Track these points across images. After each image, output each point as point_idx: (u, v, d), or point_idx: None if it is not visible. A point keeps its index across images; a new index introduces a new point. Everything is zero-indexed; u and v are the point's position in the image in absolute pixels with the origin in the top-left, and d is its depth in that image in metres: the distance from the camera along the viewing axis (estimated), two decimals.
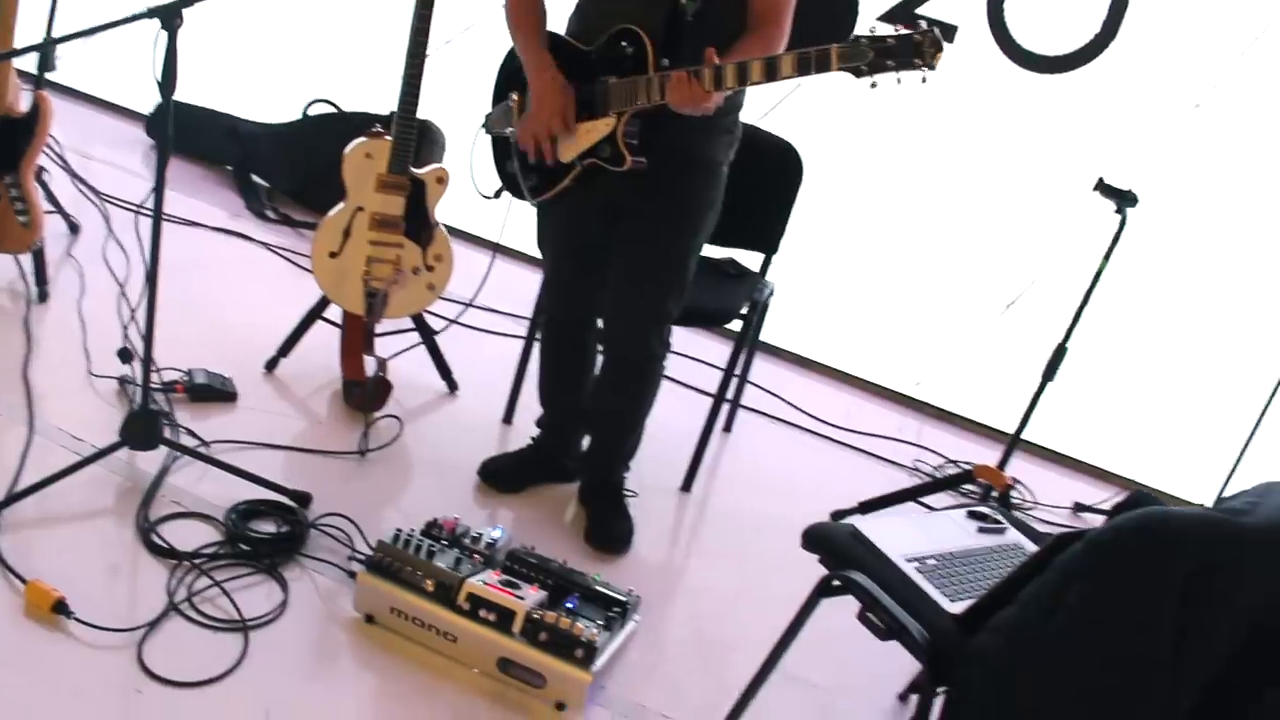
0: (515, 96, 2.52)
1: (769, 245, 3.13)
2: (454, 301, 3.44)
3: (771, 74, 2.13)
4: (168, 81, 2.28)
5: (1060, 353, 3.04)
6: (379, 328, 3.16)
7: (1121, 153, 3.37)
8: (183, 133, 4.50)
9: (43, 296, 3.23)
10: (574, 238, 2.64)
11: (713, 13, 2.31)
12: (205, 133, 4.41)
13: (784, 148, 3.12)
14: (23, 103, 3.10)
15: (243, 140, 4.33)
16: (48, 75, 3.64)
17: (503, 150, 2.62)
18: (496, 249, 3.22)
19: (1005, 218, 3.64)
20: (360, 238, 3.03)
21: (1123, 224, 2.91)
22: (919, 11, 3.60)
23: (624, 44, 2.32)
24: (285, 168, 4.27)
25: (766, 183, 3.10)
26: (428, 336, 3.28)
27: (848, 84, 3.08)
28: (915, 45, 1.99)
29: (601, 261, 2.56)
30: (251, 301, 3.54)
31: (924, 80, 2.02)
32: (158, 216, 2.41)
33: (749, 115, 3.02)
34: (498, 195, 2.70)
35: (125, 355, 2.95)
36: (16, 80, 3.10)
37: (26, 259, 3.24)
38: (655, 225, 2.49)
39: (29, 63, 3.44)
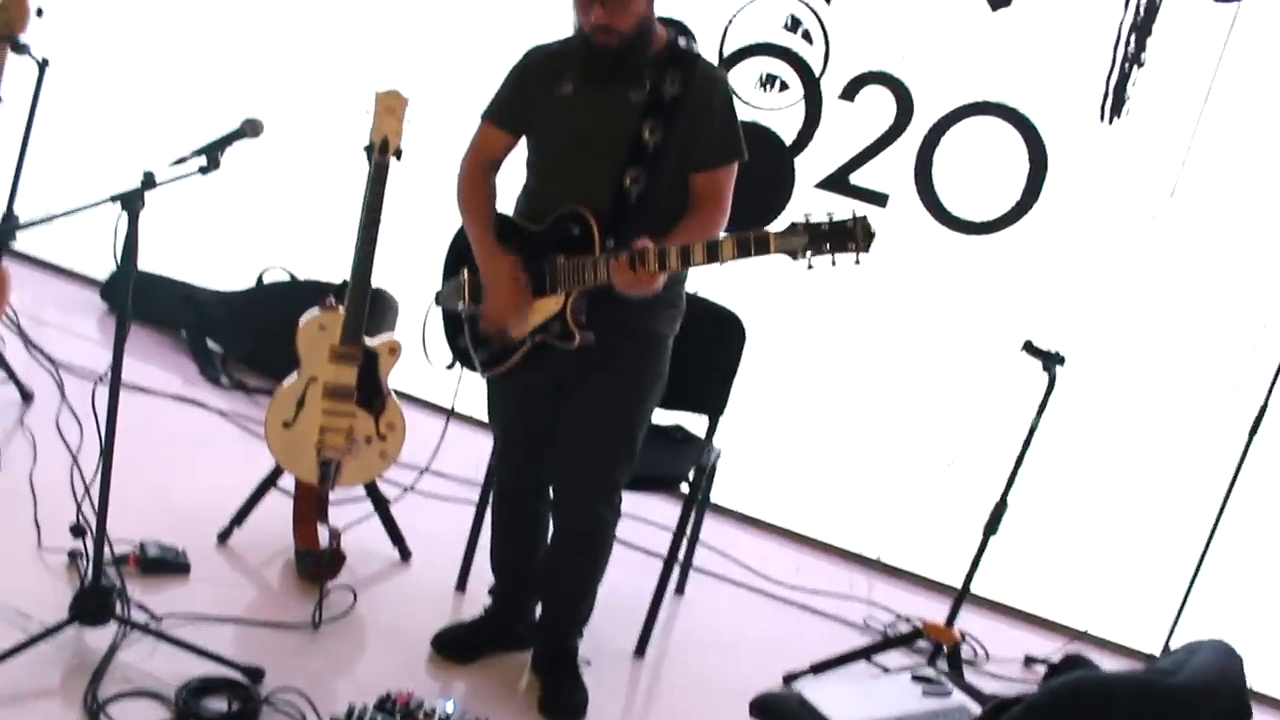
0: (466, 273, 2.62)
1: (714, 408, 3.22)
2: (408, 467, 3.47)
3: (713, 257, 2.26)
4: (128, 261, 2.36)
5: (1001, 508, 3.12)
6: (332, 496, 3.19)
7: (1058, 304, 3.54)
8: (138, 299, 4.53)
9: None
10: (524, 410, 2.71)
11: (655, 194, 2.45)
12: (160, 299, 4.47)
13: (726, 315, 3.24)
14: None
15: (198, 307, 4.40)
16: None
17: (454, 325, 2.71)
18: (450, 414, 3.28)
19: (945, 376, 3.76)
20: (314, 408, 3.08)
21: (1051, 383, 3.03)
22: (853, 180, 3.78)
23: (571, 225, 2.44)
24: (240, 334, 4.34)
25: (710, 348, 3.20)
26: (381, 505, 3.30)
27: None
28: (849, 231, 2.13)
29: (551, 433, 2.63)
30: (204, 470, 3.55)
31: (857, 262, 2.14)
32: (114, 390, 2.46)
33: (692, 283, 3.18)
34: (450, 367, 2.78)
35: (77, 530, 2.94)
36: None
37: None
38: (602, 399, 2.57)
39: None
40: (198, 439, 3.77)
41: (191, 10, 4.59)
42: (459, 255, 2.71)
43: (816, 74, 3.77)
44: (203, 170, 2.38)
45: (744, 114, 3.79)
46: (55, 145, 3.90)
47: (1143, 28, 3.41)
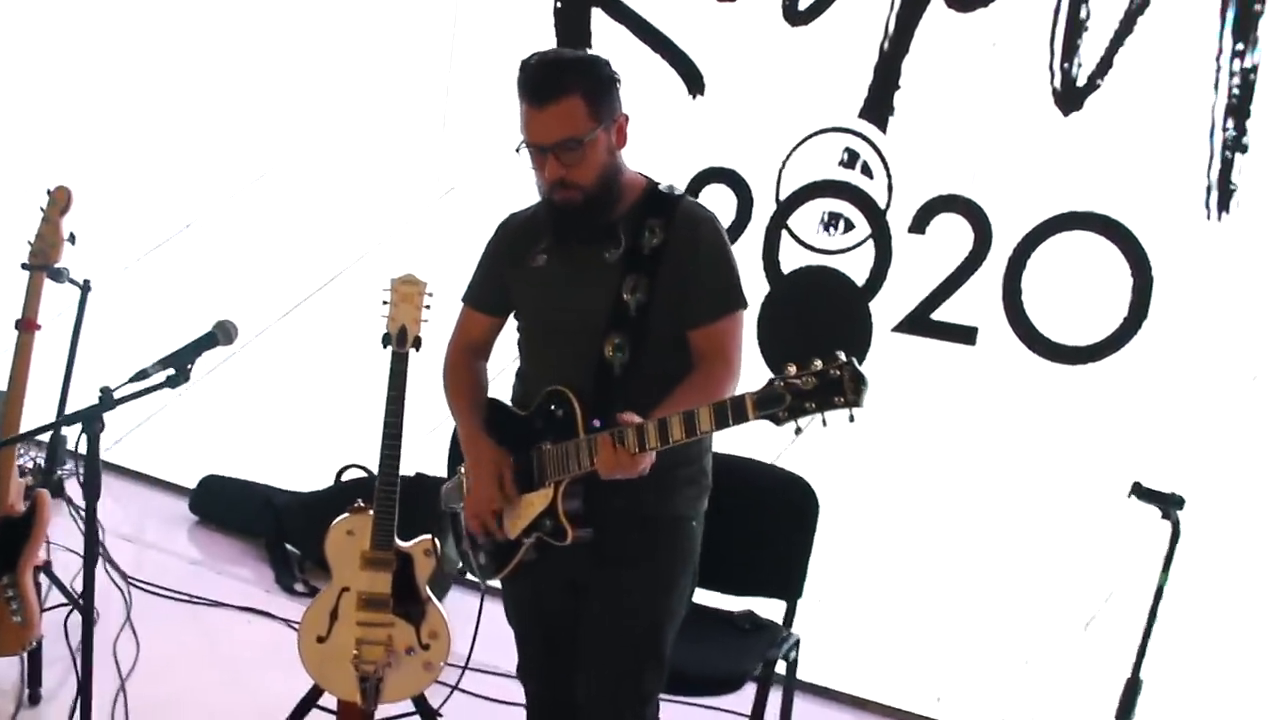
0: (462, 469, 2.37)
1: (790, 591, 2.84)
2: (453, 666, 3.18)
3: (691, 430, 1.94)
4: (91, 485, 2.21)
5: (1134, 686, 2.61)
6: (378, 713, 2.93)
7: (1168, 444, 3.05)
8: (222, 505, 4.60)
9: (34, 699, 3.10)
10: (538, 615, 2.40)
11: (644, 362, 2.16)
12: (242, 505, 4.44)
13: (793, 482, 2.90)
14: (21, 502, 3.11)
15: (277, 511, 4.31)
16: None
17: (458, 527, 2.45)
18: (484, 593, 2.97)
19: (1049, 526, 3.29)
20: (348, 620, 2.85)
21: (1175, 530, 2.56)
22: (935, 317, 3.42)
23: (554, 407, 2.18)
24: (317, 537, 4.18)
25: (779, 522, 2.87)
26: (429, 718, 3.02)
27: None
28: (834, 383, 1.79)
29: (571, 637, 2.31)
30: (260, 687, 3.35)
31: (851, 419, 1.80)
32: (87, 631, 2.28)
33: (764, 452, 2.83)
34: (462, 573, 2.52)
35: None
36: (17, 480, 3.12)
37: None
38: (618, 599, 2.24)
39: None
40: (257, 655, 3.59)
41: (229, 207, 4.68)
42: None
43: (881, 208, 3.47)
44: (171, 382, 2.22)
45: (810, 259, 3.60)
46: (102, 364, 3.94)
47: (1239, 109, 3.01)
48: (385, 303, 2.88)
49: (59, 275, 3.16)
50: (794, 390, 1.80)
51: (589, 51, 2.21)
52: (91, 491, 2.22)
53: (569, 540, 2.13)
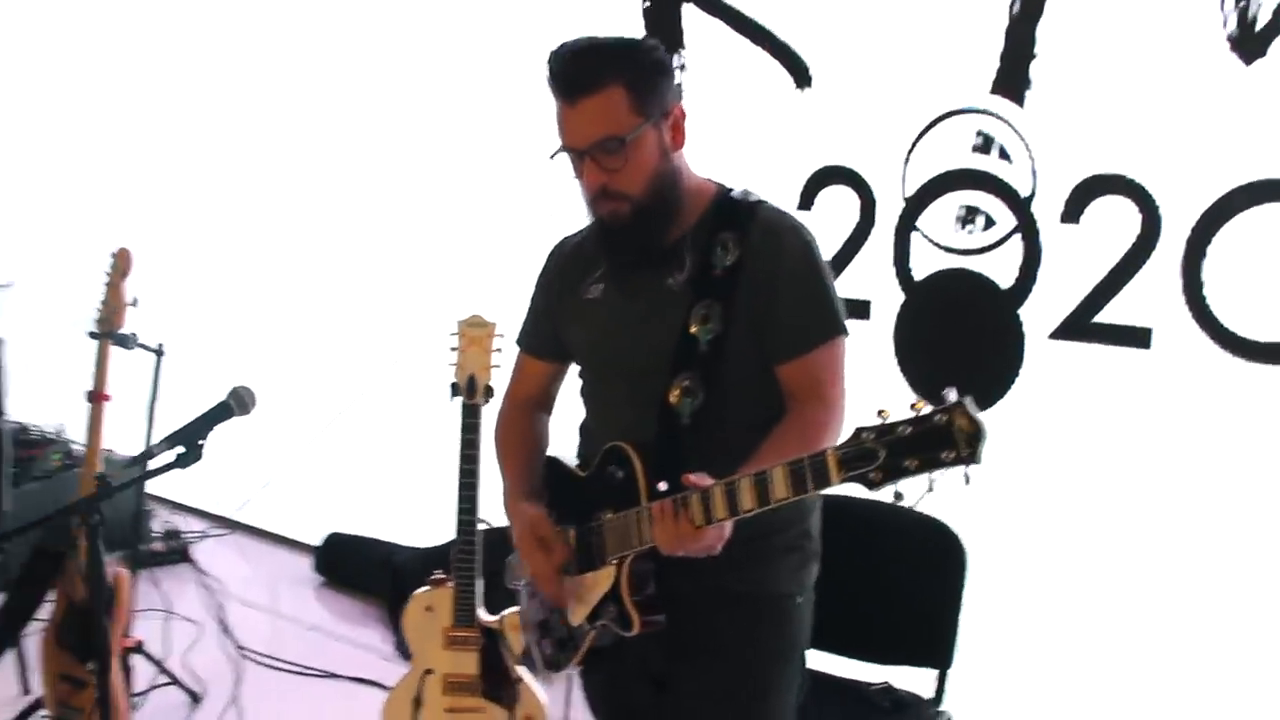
0: (525, 564, 2.01)
1: (938, 658, 2.38)
2: None
3: (764, 497, 1.54)
4: (95, 577, 1.97)
5: None
6: None
7: None
8: (346, 564, 4.42)
9: None
10: (616, 710, 2.03)
11: (721, 407, 1.76)
12: (364, 563, 4.25)
13: (936, 529, 2.44)
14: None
15: (396, 569, 4.07)
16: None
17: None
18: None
19: (1247, 571, 2.72)
20: (434, 706, 2.58)
21: None
22: (1098, 320, 2.90)
23: (613, 467, 1.80)
24: None
25: (921, 578, 2.43)
26: None
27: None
28: (940, 433, 1.36)
29: None
30: None
31: (967, 481, 1.37)
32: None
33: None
34: (521, 663, 2.18)
35: None
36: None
37: None
38: (704, 699, 1.84)
39: None
40: None
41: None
42: None
43: (1025, 196, 2.98)
44: (182, 461, 1.96)
45: (947, 261, 3.13)
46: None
47: None
48: (454, 349, 2.60)
49: (126, 341, 3.00)
50: (889, 443, 1.38)
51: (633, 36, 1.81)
52: (96, 584, 1.99)
53: (635, 630, 1.76)
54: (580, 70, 1.73)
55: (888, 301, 3.21)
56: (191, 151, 5.00)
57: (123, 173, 5.22)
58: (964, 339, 3.15)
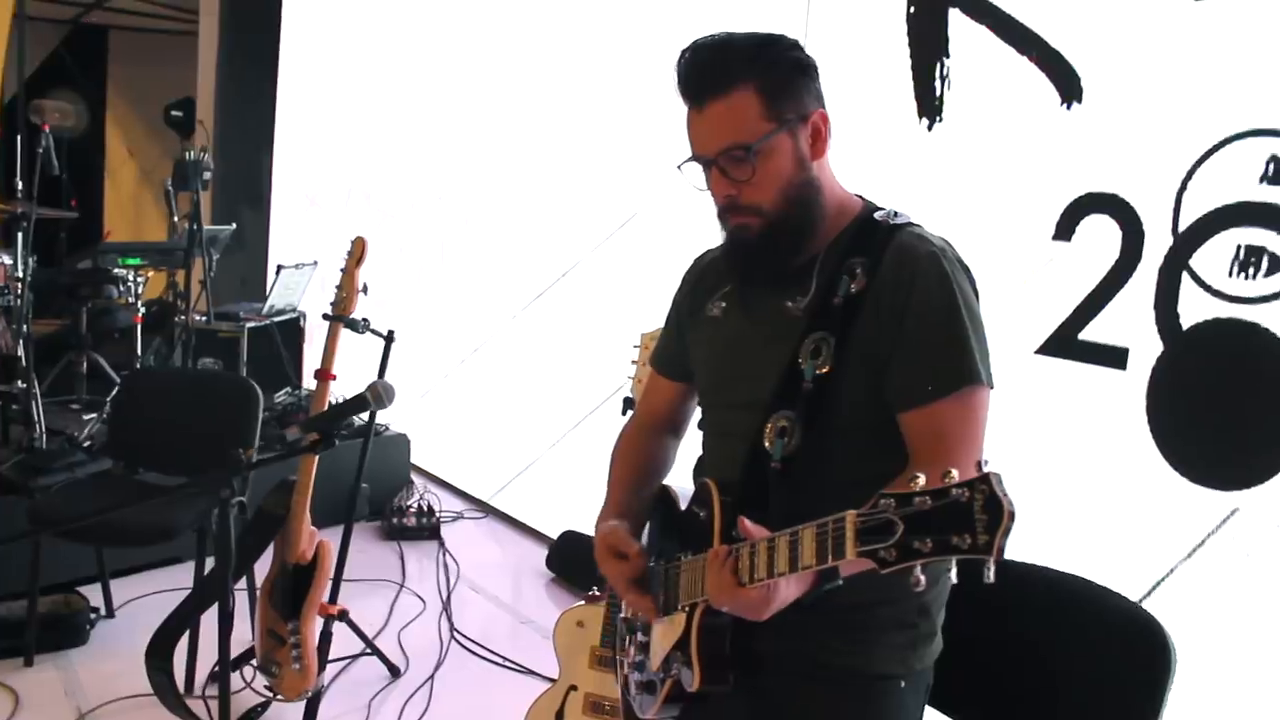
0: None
1: None
2: None
3: (794, 560, 1.33)
4: (224, 554, 2.03)
5: None
6: None
7: None
8: (575, 562, 4.44)
9: None
10: None
11: (821, 453, 1.56)
12: (591, 562, 4.24)
13: (1139, 622, 2.07)
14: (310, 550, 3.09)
15: None
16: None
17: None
18: None
19: None
20: None
21: None
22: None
23: (697, 507, 1.64)
24: None
25: (1116, 678, 2.07)
26: None
27: None
28: (959, 511, 1.11)
29: None
30: None
31: (988, 578, 1.12)
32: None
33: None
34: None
35: None
36: (309, 529, 3.10)
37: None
38: None
39: None
40: None
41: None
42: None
43: None
44: (316, 447, 1.99)
45: (1223, 310, 2.69)
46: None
47: None
48: (633, 362, 2.52)
49: (356, 325, 3.14)
50: (907, 516, 1.16)
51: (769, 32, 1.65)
52: (224, 556, 2.05)
53: (696, 686, 1.59)
54: (708, 71, 1.60)
55: (1149, 351, 2.80)
56: (440, 154, 5.24)
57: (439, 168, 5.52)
58: (1236, 401, 2.69)
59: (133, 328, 4.65)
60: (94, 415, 4.38)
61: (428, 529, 4.68)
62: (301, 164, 6.59)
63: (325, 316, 3.13)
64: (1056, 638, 2.11)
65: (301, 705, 3.11)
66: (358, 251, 3.14)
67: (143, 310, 4.54)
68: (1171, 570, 2.54)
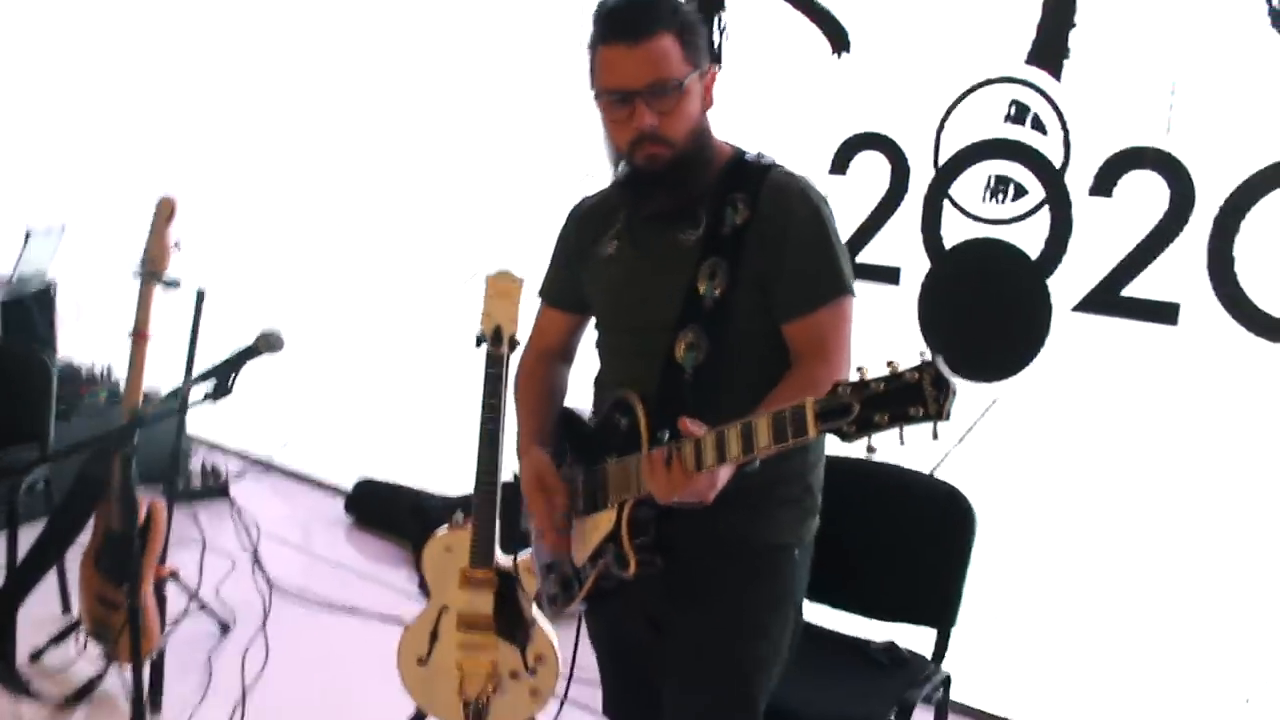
0: (530, 508, 2.08)
1: (940, 618, 2.42)
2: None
3: (749, 444, 1.58)
4: (127, 505, 2.05)
5: None
6: None
7: None
8: (377, 510, 4.53)
9: (156, 707, 3.05)
10: (617, 650, 2.11)
11: (725, 363, 1.81)
12: (394, 509, 4.38)
13: (945, 493, 2.48)
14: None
15: (424, 515, 4.18)
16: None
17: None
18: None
19: (1255, 540, 2.73)
20: (449, 641, 2.65)
21: None
22: (1125, 293, 2.91)
23: (620, 416, 1.86)
24: None
25: (928, 540, 2.47)
26: None
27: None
28: (911, 389, 1.40)
29: (652, 676, 2.00)
30: (378, 702, 3.20)
31: (935, 435, 1.41)
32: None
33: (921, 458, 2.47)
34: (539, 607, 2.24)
35: None
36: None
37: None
38: (698, 642, 1.90)
39: None
40: (380, 665, 3.46)
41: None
42: None
43: (1057, 167, 2.98)
44: (210, 397, 2.04)
45: (976, 230, 3.14)
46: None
47: None
48: (481, 300, 2.66)
49: (168, 284, 3.09)
50: (863, 398, 1.42)
51: None
52: (128, 509, 2.07)
53: (632, 571, 1.81)
54: (640, 14, 1.77)
55: (917, 268, 3.23)
56: (233, 100, 5.10)
57: (169, 119, 5.33)
58: (990, 309, 3.16)
59: None
60: None
61: (216, 489, 4.61)
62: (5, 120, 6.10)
63: (136, 276, 3.07)
64: (883, 514, 2.51)
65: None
66: (165, 210, 3.08)
67: None
68: (947, 454, 2.96)
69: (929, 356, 1.39)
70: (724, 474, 1.67)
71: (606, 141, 1.87)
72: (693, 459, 1.63)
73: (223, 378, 2.05)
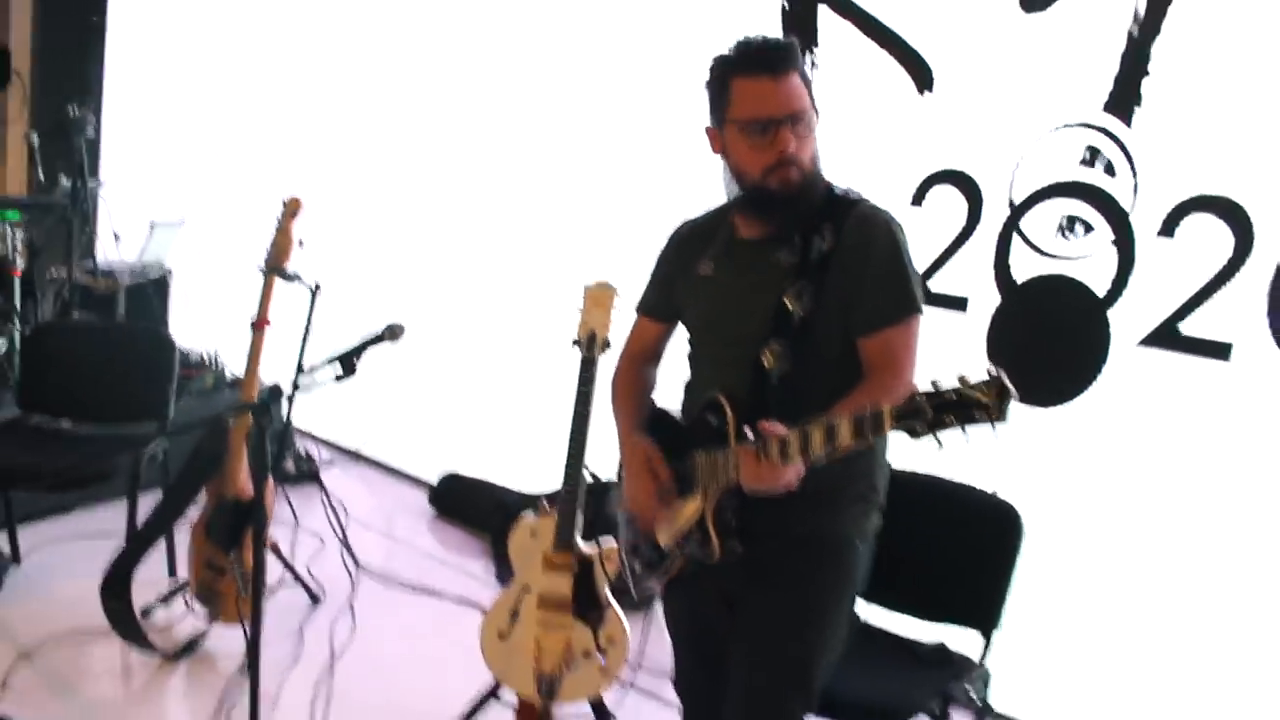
0: (629, 489, 2.30)
1: (985, 621, 2.60)
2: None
3: (831, 439, 1.78)
4: (262, 470, 2.30)
5: None
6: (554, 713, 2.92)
7: None
8: (461, 504, 4.78)
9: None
10: (692, 627, 2.32)
11: (807, 372, 2.02)
12: (477, 503, 4.61)
13: (995, 506, 2.66)
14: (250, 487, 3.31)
15: (505, 510, 4.40)
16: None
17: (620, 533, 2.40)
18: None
19: None
20: (528, 619, 2.87)
21: None
22: (1183, 330, 3.05)
23: (710, 416, 2.08)
24: None
25: (977, 548, 2.65)
26: None
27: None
28: (976, 396, 1.60)
29: (723, 653, 2.20)
30: (454, 676, 3.42)
31: (994, 428, 1.61)
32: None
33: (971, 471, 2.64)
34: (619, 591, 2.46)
35: None
36: (246, 465, 3.33)
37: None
38: (769, 620, 2.11)
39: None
40: (468, 642, 3.68)
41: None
42: None
43: (1126, 210, 3.13)
44: (338, 378, 2.29)
45: (1047, 266, 3.29)
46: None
47: None
48: (578, 309, 2.88)
49: (289, 277, 3.36)
50: (936, 403, 1.63)
51: None
52: (259, 475, 2.31)
53: (716, 555, 2.03)
54: (782, 53, 2.03)
55: (985, 298, 3.39)
56: (349, 111, 5.38)
57: (289, 124, 5.63)
58: (1055, 338, 3.31)
59: (11, 281, 4.61)
60: None
61: (308, 474, 4.88)
62: (137, 120, 6.50)
63: (261, 270, 3.35)
64: (936, 526, 2.69)
65: (238, 630, 3.33)
66: (293, 208, 3.37)
67: (21, 264, 4.51)
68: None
69: (994, 370, 1.59)
70: (800, 469, 1.88)
71: (731, 166, 2.09)
72: (778, 454, 1.84)
73: (349, 360, 2.30)
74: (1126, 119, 3.11)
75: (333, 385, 2.33)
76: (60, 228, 4.99)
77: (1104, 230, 3.18)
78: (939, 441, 1.64)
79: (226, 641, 3.37)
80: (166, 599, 3.59)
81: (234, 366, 5.08)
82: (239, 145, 5.82)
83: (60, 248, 5.06)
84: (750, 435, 1.92)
